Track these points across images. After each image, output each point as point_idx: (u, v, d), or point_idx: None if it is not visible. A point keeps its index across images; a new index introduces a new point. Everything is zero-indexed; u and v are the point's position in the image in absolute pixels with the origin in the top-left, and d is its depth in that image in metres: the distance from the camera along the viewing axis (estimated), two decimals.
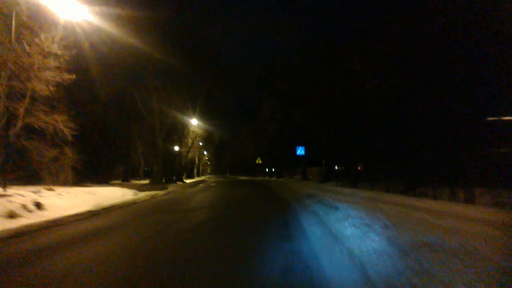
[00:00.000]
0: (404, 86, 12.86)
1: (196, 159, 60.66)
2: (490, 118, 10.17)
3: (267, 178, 42.26)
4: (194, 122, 37.95)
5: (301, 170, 31.11)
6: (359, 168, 28.12)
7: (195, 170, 62.15)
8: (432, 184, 11.85)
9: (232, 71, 35.08)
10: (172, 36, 24.95)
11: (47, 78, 15.09)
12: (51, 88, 15.39)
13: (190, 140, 40.83)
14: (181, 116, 34.02)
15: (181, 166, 39.73)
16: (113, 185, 24.50)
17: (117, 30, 20.41)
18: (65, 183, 20.98)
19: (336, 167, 32.26)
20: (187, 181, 39.10)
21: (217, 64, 33.32)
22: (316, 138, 25.76)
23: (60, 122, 16.60)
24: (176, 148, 39.70)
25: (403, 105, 13.30)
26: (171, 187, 22.59)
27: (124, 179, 35.97)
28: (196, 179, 47.70)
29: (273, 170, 46.59)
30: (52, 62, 15.23)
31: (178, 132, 37.90)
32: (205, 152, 72.26)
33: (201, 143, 55.75)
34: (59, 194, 13.64)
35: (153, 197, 15.05)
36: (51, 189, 14.34)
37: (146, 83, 24.62)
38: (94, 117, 23.93)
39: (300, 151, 23.39)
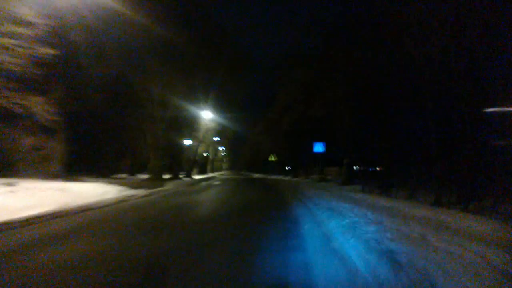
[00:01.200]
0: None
1: (210, 155, 57.74)
2: None
3: (281, 177, 38.56)
4: (206, 114, 34.73)
5: (319, 169, 27.32)
6: (378, 168, 24.22)
7: (209, 166, 59.28)
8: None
9: (246, 58, 31.39)
10: (176, 14, 21.67)
11: (17, 51, 12.17)
12: (21, 63, 12.43)
13: (201, 134, 37.75)
14: (191, 108, 30.87)
15: (190, 161, 36.69)
16: (110, 179, 21.67)
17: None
18: (50, 176, 18.22)
19: (356, 167, 28.46)
20: (196, 177, 35.99)
21: (230, 50, 29.97)
22: (337, 133, 21.91)
23: (38, 105, 13.68)
24: (186, 141, 36.75)
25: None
26: (169, 185, 19.36)
27: (131, 173, 33.32)
28: (208, 175, 44.56)
29: (289, 168, 42.83)
30: (25, 31, 12.26)
31: (188, 124, 34.75)
32: (220, 148, 69.42)
33: (216, 138, 52.81)
34: (12, 192, 10.61)
35: (131, 197, 11.79)
36: (9, 184, 11.37)
37: (145, 66, 21.40)
38: (89, 104, 20.95)
39: (319, 147, 19.67)
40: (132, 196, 12.38)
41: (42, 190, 11.35)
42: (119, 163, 35.53)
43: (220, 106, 37.46)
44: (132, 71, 21.24)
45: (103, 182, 18.03)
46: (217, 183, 23.47)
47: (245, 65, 30.91)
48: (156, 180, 22.37)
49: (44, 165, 18.22)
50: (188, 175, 33.93)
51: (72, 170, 24.89)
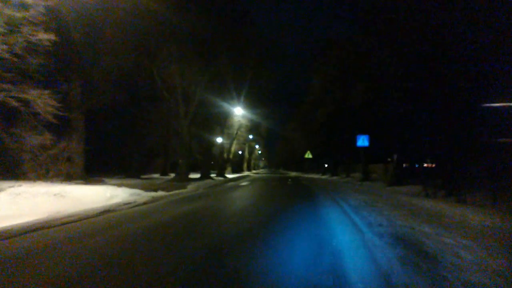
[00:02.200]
0: None
1: (246, 153, 55.17)
2: None
3: (318, 175, 34.87)
4: (238, 111, 32.04)
5: (362, 166, 23.42)
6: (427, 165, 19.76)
7: (245, 165, 56.74)
8: None
9: (277, 48, 28.10)
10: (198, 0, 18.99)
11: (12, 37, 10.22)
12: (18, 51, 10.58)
13: (233, 131, 35.18)
14: (221, 103, 28.32)
15: (223, 160, 34.23)
16: (135, 180, 19.68)
17: None
18: (63, 178, 16.35)
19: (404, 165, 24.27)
20: (229, 176, 33.46)
21: (259, 40, 26.97)
22: (382, 125, 18.03)
23: (40, 100, 11.65)
24: (219, 139, 34.41)
25: None
26: (192, 186, 16.76)
27: (163, 173, 31.52)
28: (241, 174, 41.92)
29: (327, 166, 38.90)
30: (17, 13, 10.32)
31: (219, 121, 32.31)
32: (256, 146, 66.76)
33: (251, 136, 50.16)
34: None
35: (134, 204, 9.17)
36: None
37: (164, 56, 18.86)
38: (107, 99, 18.86)
39: (363, 141, 16.01)
40: (135, 202, 9.76)
41: (34, 196, 9.22)
42: (151, 163, 33.93)
43: (252, 102, 34.63)
44: (150, 62, 18.81)
45: (124, 184, 15.94)
46: (245, 183, 20.50)
47: (276, 56, 27.74)
48: (181, 181, 19.91)
49: (56, 166, 16.38)
50: (221, 174, 31.50)
51: (95, 171, 23.31)
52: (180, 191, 14.14)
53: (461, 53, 11.02)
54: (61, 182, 14.09)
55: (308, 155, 28.44)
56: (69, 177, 16.21)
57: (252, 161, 70.61)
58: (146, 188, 13.68)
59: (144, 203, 9.58)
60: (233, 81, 28.07)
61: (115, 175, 24.36)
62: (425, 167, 25.51)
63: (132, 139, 25.30)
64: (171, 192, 13.18)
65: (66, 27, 14.58)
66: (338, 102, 20.14)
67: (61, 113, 12.35)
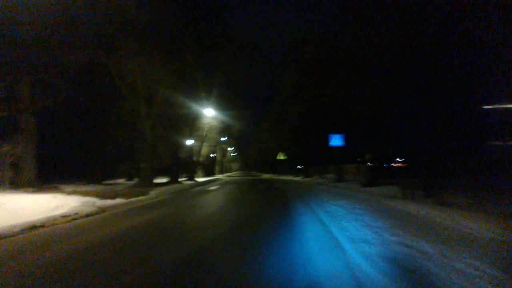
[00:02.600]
0: None
1: (218, 155, 53.52)
2: None
3: (291, 177, 33.95)
4: (208, 112, 30.50)
5: (335, 167, 22.64)
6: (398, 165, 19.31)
7: (217, 168, 55.04)
8: None
9: (251, 47, 26.72)
10: None
11: None
12: None
13: (204, 133, 33.54)
14: (190, 104, 26.71)
15: (193, 163, 32.51)
16: (96, 186, 17.78)
17: None
18: (14, 187, 14.26)
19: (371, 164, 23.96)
20: (200, 179, 31.76)
21: (232, 38, 25.58)
22: (354, 123, 17.24)
23: None
24: (188, 142, 32.70)
25: None
26: (155, 192, 15.08)
27: (129, 178, 29.33)
28: (213, 177, 40.27)
29: (300, 167, 38.12)
30: None
31: (189, 123, 30.64)
32: (229, 148, 65.20)
33: (223, 138, 48.60)
34: None
35: (89, 213, 7.55)
36: None
37: (122, 50, 17.04)
38: (61, 98, 16.84)
39: (336, 140, 15.06)
40: (81, 212, 8.10)
41: None
42: (116, 167, 31.60)
43: (223, 102, 33.20)
44: (107, 56, 16.94)
45: (79, 191, 14.11)
46: (214, 188, 19.06)
47: (249, 53, 26.38)
48: (144, 186, 18.14)
49: (12, 173, 14.33)
50: (190, 177, 29.79)
51: (52, 178, 21.04)
52: (140, 198, 12.50)
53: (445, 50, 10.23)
54: (4, 191, 12.14)
55: (281, 156, 27.40)
56: (15, 185, 14.18)
57: (225, 164, 68.97)
58: (103, 196, 11.95)
59: (90, 214, 8.00)
60: (202, 80, 26.58)
61: (76, 181, 22.18)
62: (395, 167, 25.14)
63: (93, 142, 23.18)
64: (130, 200, 11.54)
65: (13, 18, 12.61)
66: (311, 100, 19.09)
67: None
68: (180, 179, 27.60)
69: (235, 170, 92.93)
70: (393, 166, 27.10)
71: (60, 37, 15.08)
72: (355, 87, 15.27)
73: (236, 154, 79.40)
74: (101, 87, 19.67)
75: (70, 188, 15.69)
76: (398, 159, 28.94)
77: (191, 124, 31.16)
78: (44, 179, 17.70)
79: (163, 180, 25.78)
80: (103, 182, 22.80)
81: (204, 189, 17.61)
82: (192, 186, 21.56)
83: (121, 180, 28.15)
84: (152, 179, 20.30)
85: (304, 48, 19.34)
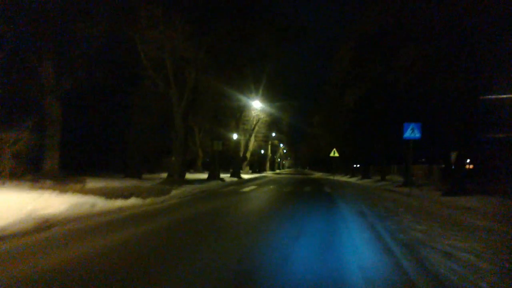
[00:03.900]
0: None
1: (269, 151, 50.25)
2: None
3: (346, 177, 29.18)
4: (256, 104, 27.40)
5: (400, 168, 17.87)
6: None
7: (267, 164, 51.84)
8: None
9: (301, 26, 22.76)
10: None
11: None
12: None
13: (250, 126, 30.46)
14: (236, 94, 23.83)
15: (239, 158, 29.62)
16: (139, 179, 16.00)
17: None
18: (32, 179, 12.53)
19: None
20: (246, 176, 28.76)
21: (279, 15, 21.95)
22: (436, 110, 12.55)
23: None
24: (234, 135, 29.91)
25: None
26: (180, 190, 12.27)
27: (172, 172, 27.37)
28: (260, 174, 37.07)
29: (357, 166, 33.09)
30: None
31: (235, 114, 27.73)
32: (281, 145, 61.66)
33: (273, 134, 45.26)
34: None
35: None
36: None
37: (148, 19, 14.28)
38: (88, 81, 14.88)
39: (412, 131, 10.58)
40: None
41: None
42: (163, 160, 29.82)
43: (272, 94, 29.81)
44: (131, 29, 14.36)
45: (103, 186, 12.14)
46: (251, 188, 15.67)
47: (299, 32, 22.38)
48: (172, 183, 15.46)
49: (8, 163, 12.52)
50: (235, 174, 26.92)
51: (87, 169, 19.57)
52: (159, 198, 9.68)
53: None
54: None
55: (334, 153, 23.10)
56: (43, 177, 12.47)
57: (277, 160, 65.61)
58: (119, 194, 9.46)
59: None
60: (247, 68, 23.41)
61: (113, 174, 20.59)
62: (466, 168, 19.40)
63: (130, 131, 21.20)
64: (144, 201, 8.83)
65: None
66: (374, 79, 14.48)
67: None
68: (223, 175, 24.91)
69: (287, 168, 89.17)
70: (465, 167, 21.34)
71: (79, 8, 13.09)
72: (439, 58, 10.69)
73: (287, 150, 75.59)
74: (129, 68, 17.27)
75: (95, 182, 13.57)
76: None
77: (237, 116, 28.26)
78: (70, 170, 16.09)
79: (204, 175, 23.24)
80: (143, 176, 20.76)
81: (237, 190, 14.28)
82: (229, 185, 18.47)
83: (165, 175, 26.30)
84: (184, 175, 17.62)
85: (365, 18, 14.76)
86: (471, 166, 18.05)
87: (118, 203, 7.99)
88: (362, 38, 14.95)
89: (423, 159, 23.73)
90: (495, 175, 13.39)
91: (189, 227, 5.78)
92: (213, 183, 18.54)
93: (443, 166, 20.44)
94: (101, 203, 7.58)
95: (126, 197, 9.05)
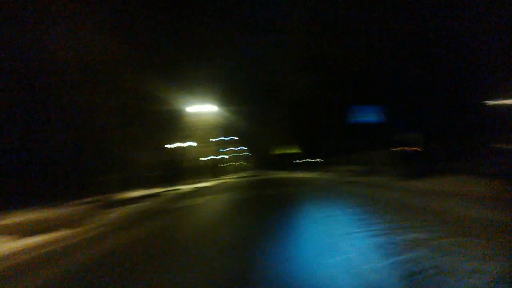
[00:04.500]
0: None
1: (224, 156, 48.07)
2: None
3: (308, 174, 27.76)
4: (207, 108, 25.24)
5: (361, 156, 16.77)
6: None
7: (223, 169, 49.55)
8: None
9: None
10: None
11: None
12: None
13: (202, 132, 28.13)
14: (178, 98, 21.61)
15: (183, 168, 26.77)
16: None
17: None
18: None
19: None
20: (190, 186, 24.74)
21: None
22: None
23: None
24: (179, 143, 27.48)
25: None
26: (112, 214, 9.88)
27: (108, 192, 23.62)
28: (213, 182, 34.03)
29: (319, 160, 32.01)
30: None
31: (175, 120, 25.39)
32: (238, 148, 59.87)
33: (229, 137, 43.28)
34: None
35: None
36: None
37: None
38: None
39: (364, 114, 9.24)
40: None
41: None
42: (103, 179, 26.19)
43: (224, 97, 28.02)
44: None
45: None
46: (203, 200, 13.36)
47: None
48: (96, 208, 12.73)
49: None
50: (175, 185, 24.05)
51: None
52: (57, 234, 7.34)
53: None
54: None
55: (292, 149, 21.67)
56: None
57: (235, 164, 63.70)
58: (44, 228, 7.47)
59: None
60: (189, 69, 21.28)
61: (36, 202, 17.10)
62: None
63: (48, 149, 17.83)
64: (77, 230, 6.72)
65: None
66: (329, 64, 12.95)
67: None
68: (164, 189, 21.62)
69: (248, 170, 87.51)
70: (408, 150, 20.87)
71: None
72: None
73: (247, 153, 74.01)
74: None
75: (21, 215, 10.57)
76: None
77: (179, 122, 25.88)
78: None
79: (140, 193, 19.75)
80: (85, 200, 17.47)
81: (167, 208, 11.83)
82: (159, 204, 15.63)
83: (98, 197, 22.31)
84: (113, 195, 14.96)
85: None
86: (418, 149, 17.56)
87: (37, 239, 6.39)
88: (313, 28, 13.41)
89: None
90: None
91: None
92: (144, 204, 15.88)
93: (405, 149, 19.83)
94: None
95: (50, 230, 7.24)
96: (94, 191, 21.43)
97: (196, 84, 21.92)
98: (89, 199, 18.08)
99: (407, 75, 9.19)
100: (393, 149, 19.24)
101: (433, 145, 11.88)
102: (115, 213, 10.56)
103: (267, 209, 8.44)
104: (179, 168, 25.28)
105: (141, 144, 20.43)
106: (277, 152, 20.12)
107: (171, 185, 23.66)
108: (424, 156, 11.02)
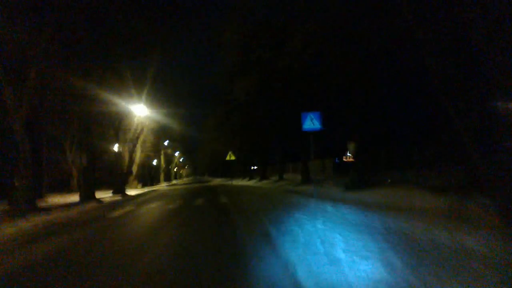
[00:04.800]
0: None
1: (162, 162, 45.47)
2: None
3: (244, 182, 27.39)
4: (140, 110, 23.15)
5: (299, 165, 16.76)
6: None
7: (162, 176, 46.99)
8: None
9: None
10: None
11: None
12: None
13: (136, 135, 25.85)
14: (114, 99, 19.44)
15: (122, 173, 24.71)
16: None
17: None
18: None
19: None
20: (132, 192, 24.16)
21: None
22: (329, 99, 11.44)
23: None
24: (115, 147, 25.10)
25: None
26: (13, 228, 8.01)
27: (38, 197, 20.65)
28: (151, 188, 32.45)
29: (255, 168, 31.95)
30: None
31: (113, 122, 23.16)
32: (176, 153, 57.24)
33: (166, 142, 40.92)
34: None
35: None
36: None
37: None
38: None
39: (311, 122, 8.88)
40: None
41: None
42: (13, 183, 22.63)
43: (158, 99, 26.11)
44: None
45: None
46: (126, 209, 11.87)
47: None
48: (16, 214, 10.53)
49: None
50: (119, 191, 22.26)
51: None
52: None
53: None
54: None
55: (230, 156, 20.99)
56: None
57: (173, 171, 60.85)
58: None
59: None
60: (119, 59, 19.24)
61: None
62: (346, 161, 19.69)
63: None
64: None
65: None
66: (264, 68, 12.59)
67: None
68: (104, 194, 20.29)
69: (186, 177, 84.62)
70: (344, 160, 21.97)
71: None
72: (329, 45, 9.34)
73: (184, 159, 71.28)
74: None
75: None
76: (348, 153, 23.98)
77: (115, 124, 23.64)
78: None
79: (73, 198, 18.05)
80: None
81: (105, 215, 10.43)
82: (103, 207, 14.27)
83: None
84: (33, 201, 12.66)
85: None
86: (351, 159, 18.23)
87: None
88: (250, 21, 12.98)
89: (349, 145, 23.30)
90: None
91: None
92: (81, 207, 14.08)
93: (336, 159, 20.39)
94: None
95: None
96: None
97: (125, 85, 20.06)
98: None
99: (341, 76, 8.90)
100: (332, 159, 19.67)
101: (365, 155, 12.01)
102: (17, 226, 8.66)
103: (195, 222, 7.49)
104: (122, 173, 23.39)
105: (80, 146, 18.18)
106: (227, 158, 19.53)
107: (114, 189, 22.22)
108: (356, 166, 11.00)
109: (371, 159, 12.49)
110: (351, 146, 11.36)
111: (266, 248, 4.31)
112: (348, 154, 22.14)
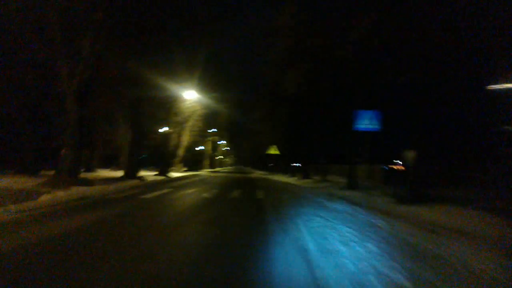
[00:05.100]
0: None
1: (208, 148, 46.11)
2: None
3: (285, 178, 26.29)
4: (188, 95, 23.30)
5: (345, 167, 15.44)
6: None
7: (206, 162, 47.70)
8: None
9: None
10: None
11: None
12: None
13: (184, 119, 26.17)
14: (166, 83, 19.79)
15: (168, 154, 25.31)
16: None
17: None
18: None
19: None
20: (175, 174, 24.62)
21: None
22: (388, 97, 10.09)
23: None
24: (164, 129, 25.77)
25: None
26: (53, 195, 8.27)
27: (88, 169, 22.01)
28: (194, 172, 32.99)
29: (297, 165, 30.68)
30: None
31: (161, 104, 23.55)
32: (222, 141, 57.90)
33: (213, 130, 41.32)
34: None
35: None
36: None
37: None
38: None
39: (369, 121, 7.72)
40: None
41: None
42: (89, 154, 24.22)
43: (208, 84, 26.17)
44: None
45: None
46: (163, 192, 11.70)
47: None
48: (59, 183, 10.93)
49: None
50: (163, 172, 22.78)
51: None
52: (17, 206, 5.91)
53: None
54: None
55: (272, 150, 20.21)
56: None
57: (217, 158, 61.76)
58: None
59: None
60: (174, 40, 19.32)
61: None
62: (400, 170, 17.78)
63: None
64: None
65: None
66: (317, 57, 11.39)
67: None
68: (148, 173, 20.96)
69: (229, 165, 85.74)
70: (393, 168, 19.74)
71: None
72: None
73: (229, 148, 72.08)
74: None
75: None
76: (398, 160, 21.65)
77: (167, 107, 24.05)
78: None
79: (119, 173, 18.70)
80: (41, 173, 15.66)
81: (139, 195, 10.30)
82: (142, 186, 14.43)
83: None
84: (77, 172, 13.08)
85: None
86: (401, 168, 16.44)
87: None
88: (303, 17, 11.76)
89: (357, 159, 21.71)
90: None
91: None
92: (122, 184, 14.37)
93: (384, 166, 18.68)
94: None
95: None
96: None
97: (177, 69, 20.16)
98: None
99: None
100: (382, 166, 18.06)
101: (423, 166, 10.51)
102: (58, 194, 8.81)
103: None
104: (168, 154, 24.33)
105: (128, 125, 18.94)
106: (268, 152, 18.95)
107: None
108: (413, 178, 9.59)
109: (428, 172, 10.93)
110: (410, 154, 9.92)
111: (300, 274, 3.38)
112: (400, 162, 20.13)
